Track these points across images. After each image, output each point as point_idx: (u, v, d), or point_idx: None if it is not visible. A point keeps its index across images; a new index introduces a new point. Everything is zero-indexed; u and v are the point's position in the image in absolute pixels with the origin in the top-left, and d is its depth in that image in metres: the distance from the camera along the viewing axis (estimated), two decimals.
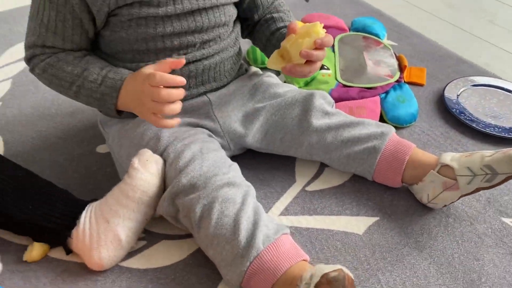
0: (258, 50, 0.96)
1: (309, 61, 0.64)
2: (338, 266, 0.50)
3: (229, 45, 0.70)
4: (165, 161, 0.63)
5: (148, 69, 0.59)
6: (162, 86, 0.57)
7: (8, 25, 1.07)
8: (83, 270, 0.59)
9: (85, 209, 0.60)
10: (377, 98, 0.86)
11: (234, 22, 0.72)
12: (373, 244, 0.64)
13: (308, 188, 0.72)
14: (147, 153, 0.61)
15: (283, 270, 0.54)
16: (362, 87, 0.88)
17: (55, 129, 0.80)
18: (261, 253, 0.54)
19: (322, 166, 0.75)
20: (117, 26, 0.62)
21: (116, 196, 0.59)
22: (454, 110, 0.86)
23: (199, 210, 0.58)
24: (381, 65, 0.94)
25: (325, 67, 0.92)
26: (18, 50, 0.98)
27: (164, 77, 0.56)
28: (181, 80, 0.57)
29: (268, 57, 0.74)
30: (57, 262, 0.60)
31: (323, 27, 0.65)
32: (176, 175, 0.61)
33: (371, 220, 0.68)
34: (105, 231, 0.58)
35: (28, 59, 0.65)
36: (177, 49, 0.65)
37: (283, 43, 0.65)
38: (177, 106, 0.58)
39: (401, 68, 0.95)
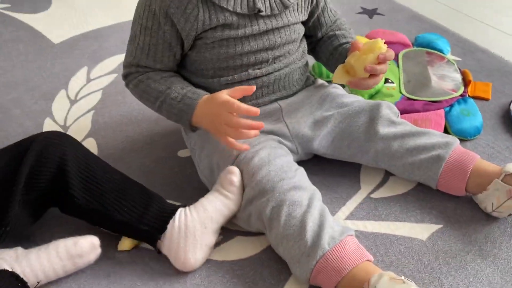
0: (316, 65, 1.01)
1: (373, 75, 0.69)
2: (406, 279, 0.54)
3: (296, 59, 0.77)
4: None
5: (223, 94, 0.65)
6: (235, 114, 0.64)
7: (98, 42, 1.19)
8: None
9: (177, 213, 0.65)
10: (442, 111, 0.88)
11: (301, 38, 0.79)
12: (436, 250, 0.67)
13: (373, 195, 0.76)
14: (237, 171, 0.68)
15: (347, 270, 0.58)
16: (426, 100, 0.91)
17: (141, 134, 0.89)
18: (327, 253, 0.59)
19: (387, 175, 0.79)
20: (202, 48, 0.70)
21: (217, 206, 0.67)
22: None
23: (268, 212, 0.64)
24: (445, 79, 0.97)
25: (389, 80, 0.96)
26: (107, 64, 1.09)
27: (241, 107, 0.63)
28: (256, 110, 0.64)
29: (331, 70, 0.80)
30: (147, 251, 0.68)
31: (387, 43, 0.71)
32: (247, 181, 0.67)
33: (435, 227, 0.70)
34: (202, 235, 0.65)
35: (125, 76, 0.75)
36: (253, 65, 0.72)
37: (347, 59, 0.71)
38: (254, 133, 0.65)
39: (466, 82, 0.96)
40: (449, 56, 1.08)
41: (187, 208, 0.67)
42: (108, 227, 0.68)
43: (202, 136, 0.75)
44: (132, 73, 0.73)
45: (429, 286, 0.62)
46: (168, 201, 0.69)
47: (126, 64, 0.73)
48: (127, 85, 0.75)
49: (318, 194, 0.67)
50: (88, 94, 1.00)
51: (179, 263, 0.64)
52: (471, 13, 1.30)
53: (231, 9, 0.68)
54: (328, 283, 0.59)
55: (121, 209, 0.65)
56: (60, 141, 0.67)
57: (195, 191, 0.74)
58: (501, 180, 0.67)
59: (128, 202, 0.66)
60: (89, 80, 1.05)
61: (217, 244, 0.68)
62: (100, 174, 0.67)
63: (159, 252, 0.67)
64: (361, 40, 0.77)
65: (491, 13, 1.29)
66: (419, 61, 1.02)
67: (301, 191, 0.65)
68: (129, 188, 0.68)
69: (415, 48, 1.07)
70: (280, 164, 0.68)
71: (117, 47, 1.16)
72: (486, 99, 0.96)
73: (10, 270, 0.59)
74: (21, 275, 0.59)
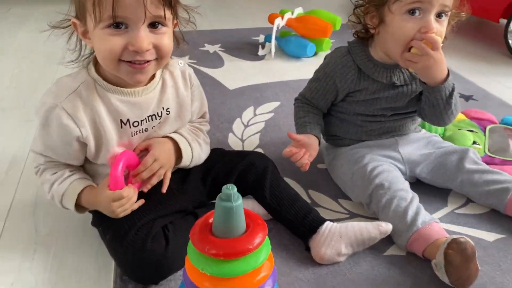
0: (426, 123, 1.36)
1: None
2: (467, 238, 0.84)
3: (409, 114, 1.13)
4: (365, 172, 1.05)
5: None
6: None
7: (259, 92, 1.67)
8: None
9: (325, 224, 0.91)
10: None
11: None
12: (498, 248, 0.96)
13: (456, 211, 1.07)
14: (389, 228, 0.92)
15: (432, 240, 0.89)
16: (503, 159, 1.22)
17: None
18: (419, 229, 0.91)
19: (468, 201, 1.09)
20: (349, 102, 1.09)
21: (356, 229, 0.91)
22: None
23: (383, 201, 0.98)
24: None
25: (477, 143, 1.29)
26: (267, 107, 1.56)
27: None
28: None
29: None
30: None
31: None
32: (372, 180, 1.02)
33: (500, 236, 0.99)
34: (336, 243, 0.90)
35: (296, 99, 1.16)
36: (380, 115, 1.09)
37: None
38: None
39: None
40: None
41: (334, 223, 0.93)
42: (279, 220, 0.97)
43: (338, 153, 1.14)
44: (299, 99, 1.15)
45: (486, 266, 0.91)
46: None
47: (300, 93, 1.15)
48: (294, 104, 1.16)
49: (417, 197, 1.00)
50: (256, 123, 1.45)
51: (317, 256, 0.90)
52: None
53: (375, 79, 1.06)
54: (418, 249, 0.91)
55: (290, 212, 0.94)
56: (265, 158, 1.02)
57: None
58: None
59: (296, 208, 0.94)
60: (255, 114, 1.50)
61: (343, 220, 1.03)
62: (282, 186, 0.98)
63: (307, 247, 0.92)
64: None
65: None
66: (502, 133, 1.34)
67: (407, 192, 0.99)
68: (297, 200, 0.96)
69: (500, 124, 1.39)
70: (395, 174, 1.04)
71: (272, 97, 1.63)
72: None
73: None
74: None
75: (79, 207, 0.88)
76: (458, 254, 0.81)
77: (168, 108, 0.90)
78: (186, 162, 0.93)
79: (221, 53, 2.08)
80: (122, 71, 0.79)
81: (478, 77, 1.84)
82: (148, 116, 0.87)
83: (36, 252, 0.95)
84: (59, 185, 0.87)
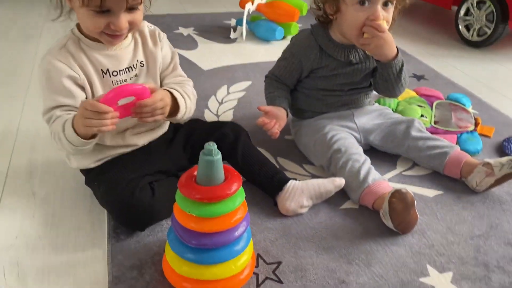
0: (381, 99, 1.53)
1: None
2: (407, 190, 1.01)
3: (363, 89, 1.29)
4: (325, 139, 1.21)
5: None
6: None
7: (231, 72, 1.80)
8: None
9: (290, 182, 1.06)
10: (455, 136, 1.37)
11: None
12: (436, 201, 1.14)
13: (404, 173, 1.25)
14: (342, 183, 1.08)
15: (380, 194, 1.05)
16: (446, 129, 1.40)
17: None
18: (369, 185, 1.08)
19: (414, 164, 1.27)
20: (312, 78, 1.24)
21: (315, 185, 1.06)
22: (506, 150, 1.33)
23: (340, 163, 1.14)
24: (462, 120, 1.46)
25: (424, 116, 1.46)
26: (239, 86, 1.69)
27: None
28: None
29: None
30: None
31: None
32: (331, 145, 1.18)
33: (438, 192, 1.17)
34: (299, 197, 1.04)
35: (266, 76, 1.30)
36: (339, 90, 1.25)
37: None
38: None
39: (476, 124, 1.45)
40: (469, 109, 1.57)
41: (297, 181, 1.07)
42: (251, 182, 1.10)
43: (302, 125, 1.29)
44: (269, 76, 1.29)
45: (423, 213, 1.09)
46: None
47: (269, 71, 1.29)
48: (265, 80, 1.30)
49: (368, 160, 1.16)
50: (229, 100, 1.58)
51: (283, 209, 1.04)
52: (493, 86, 1.81)
53: (335, 58, 1.22)
54: (369, 202, 1.08)
55: (260, 174, 1.08)
56: (238, 128, 1.16)
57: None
58: (482, 166, 1.14)
59: (264, 171, 1.08)
60: (228, 93, 1.64)
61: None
62: (253, 153, 1.12)
63: (275, 203, 1.07)
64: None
65: (507, 87, 1.78)
66: (447, 108, 1.52)
67: (360, 156, 1.15)
68: (266, 164, 1.10)
69: (445, 100, 1.58)
70: (351, 141, 1.19)
71: (244, 76, 1.76)
72: (489, 137, 1.43)
73: None
74: None
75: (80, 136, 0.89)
76: (400, 202, 0.98)
77: (142, 61, 1.03)
78: (181, 114, 1.01)
79: (194, 36, 2.19)
80: (102, 38, 0.95)
81: (430, 59, 2.03)
82: (125, 68, 1.01)
83: (35, 212, 1.07)
84: (61, 121, 0.92)
